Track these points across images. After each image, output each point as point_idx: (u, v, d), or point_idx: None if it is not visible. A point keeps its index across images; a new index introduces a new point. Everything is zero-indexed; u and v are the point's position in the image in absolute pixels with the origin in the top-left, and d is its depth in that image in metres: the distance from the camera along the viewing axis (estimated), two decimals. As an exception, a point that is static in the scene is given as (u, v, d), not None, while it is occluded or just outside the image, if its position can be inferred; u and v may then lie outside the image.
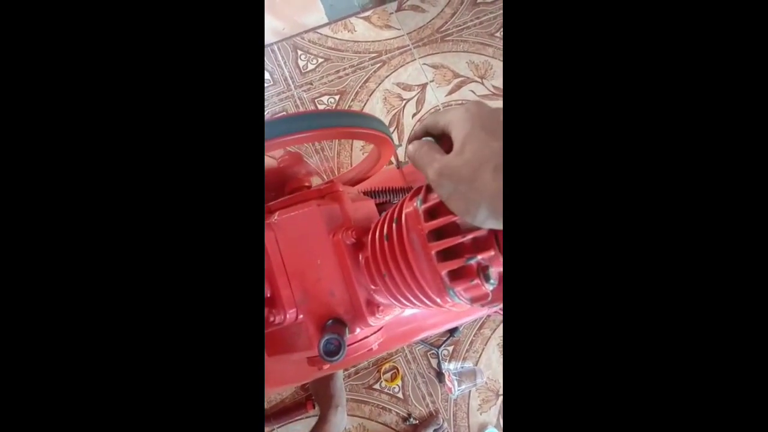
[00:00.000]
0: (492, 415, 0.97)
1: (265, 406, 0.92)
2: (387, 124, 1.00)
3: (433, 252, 0.27)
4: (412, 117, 1.09)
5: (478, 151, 0.23)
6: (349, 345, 0.37)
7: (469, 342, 0.99)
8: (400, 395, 0.96)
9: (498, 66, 1.13)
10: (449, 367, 0.96)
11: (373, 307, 0.34)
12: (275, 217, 0.36)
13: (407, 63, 1.12)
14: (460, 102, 1.10)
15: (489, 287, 0.27)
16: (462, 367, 0.97)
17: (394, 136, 1.04)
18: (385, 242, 0.31)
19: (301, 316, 0.35)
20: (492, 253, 0.27)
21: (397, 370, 0.96)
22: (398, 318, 0.58)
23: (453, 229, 0.27)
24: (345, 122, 0.37)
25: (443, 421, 0.95)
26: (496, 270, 0.27)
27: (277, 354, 0.38)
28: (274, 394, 0.91)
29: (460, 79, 1.12)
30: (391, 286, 0.31)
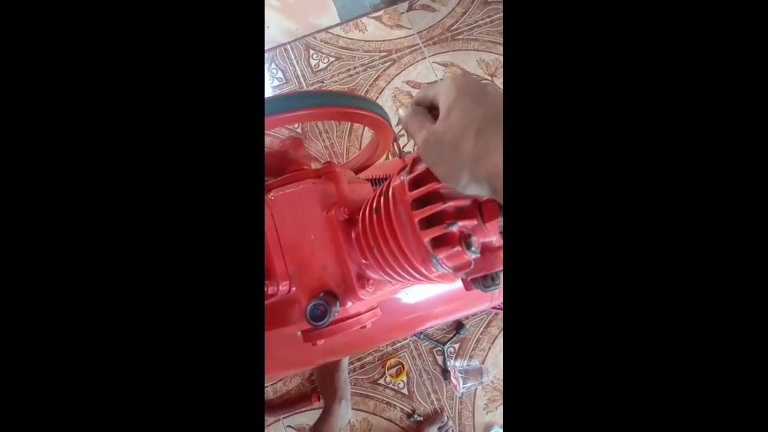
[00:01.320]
0: (498, 415, 0.96)
1: (272, 396, 0.94)
2: (396, 121, 1.01)
3: (416, 220, 0.27)
4: (421, 114, 1.09)
5: (461, 116, 0.23)
6: (341, 320, 0.38)
7: (475, 340, 0.98)
8: (404, 391, 0.96)
9: (508, 64, 1.12)
10: (455, 364, 0.96)
11: (363, 280, 0.35)
12: (272, 195, 0.37)
13: (417, 61, 1.13)
14: (469, 100, 1.10)
15: (471, 255, 0.27)
16: (468, 365, 0.96)
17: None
18: (374, 216, 0.32)
19: (294, 288, 0.36)
20: (474, 222, 0.27)
21: (402, 365, 0.96)
22: (403, 305, 0.58)
23: (436, 198, 0.27)
24: (341, 102, 0.38)
25: (448, 419, 0.94)
26: (478, 239, 0.27)
27: (272, 328, 0.39)
28: (274, 379, 0.92)
29: (470, 77, 1.12)
30: (380, 259, 0.32)
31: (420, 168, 0.28)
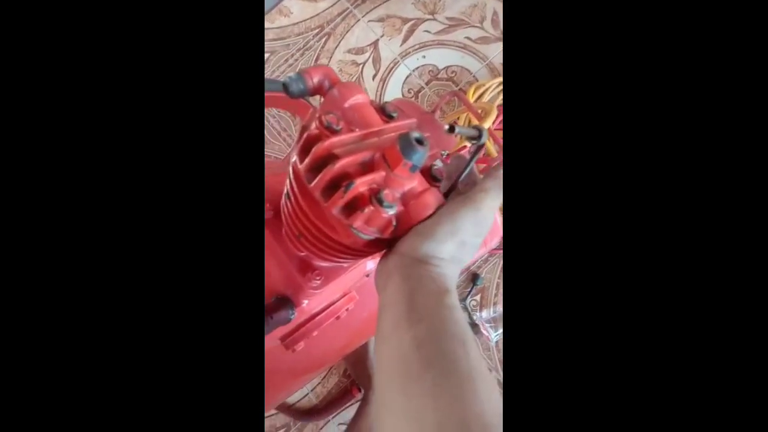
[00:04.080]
0: (540, 352, 0.94)
1: (315, 401, 0.94)
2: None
3: (317, 193, 0.24)
4: (373, 79, 1.03)
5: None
6: (315, 316, 0.36)
7: (495, 286, 0.95)
8: (440, 357, 0.94)
9: (446, -4, 1.04)
10: (481, 315, 0.93)
11: (308, 273, 0.32)
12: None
13: (352, 26, 1.06)
14: (417, 46, 1.03)
15: (389, 212, 0.23)
16: (494, 313, 0.93)
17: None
18: (289, 202, 0.28)
19: (243, 303, 0.33)
20: (383, 173, 0.23)
21: (431, 333, 0.94)
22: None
23: (330, 159, 0.23)
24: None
25: (490, 370, 0.92)
26: (392, 191, 0.24)
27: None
28: (306, 382, 0.92)
29: (410, 23, 1.05)
30: (309, 246, 0.29)
31: (306, 133, 0.24)
